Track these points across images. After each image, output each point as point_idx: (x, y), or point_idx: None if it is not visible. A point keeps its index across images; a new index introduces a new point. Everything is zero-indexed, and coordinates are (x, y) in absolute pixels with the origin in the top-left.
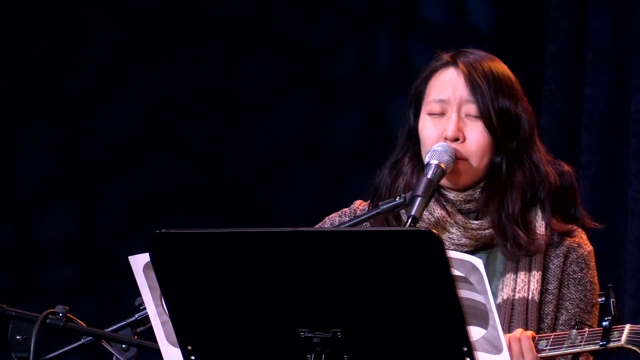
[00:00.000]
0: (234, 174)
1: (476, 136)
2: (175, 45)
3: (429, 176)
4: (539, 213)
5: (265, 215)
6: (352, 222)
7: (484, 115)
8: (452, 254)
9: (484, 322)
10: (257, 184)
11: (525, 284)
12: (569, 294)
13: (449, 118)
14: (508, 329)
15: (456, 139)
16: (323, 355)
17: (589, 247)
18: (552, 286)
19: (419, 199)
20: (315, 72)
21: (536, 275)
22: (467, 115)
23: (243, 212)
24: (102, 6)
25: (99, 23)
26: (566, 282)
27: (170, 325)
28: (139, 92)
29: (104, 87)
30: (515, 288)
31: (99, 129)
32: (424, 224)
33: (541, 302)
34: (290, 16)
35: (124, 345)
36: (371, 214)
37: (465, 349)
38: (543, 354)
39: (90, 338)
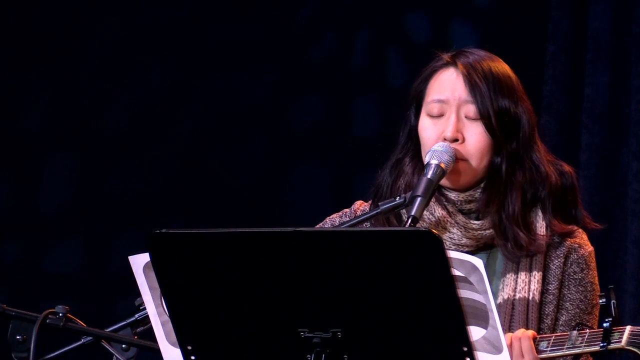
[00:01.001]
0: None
1: (475, 137)
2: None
3: (428, 176)
4: (540, 213)
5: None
6: (353, 222)
7: (483, 116)
8: (452, 254)
9: (484, 322)
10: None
11: (525, 284)
12: (569, 295)
13: (448, 119)
14: (508, 329)
15: (455, 140)
16: (323, 355)
17: (589, 248)
18: (552, 286)
19: (419, 199)
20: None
21: (537, 276)
22: (467, 116)
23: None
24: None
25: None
26: (567, 283)
27: (170, 325)
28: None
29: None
30: (515, 288)
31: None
32: (424, 224)
33: (542, 303)
34: None
35: (124, 345)
36: (371, 214)
37: (465, 349)
38: (544, 355)
39: (90, 338)
